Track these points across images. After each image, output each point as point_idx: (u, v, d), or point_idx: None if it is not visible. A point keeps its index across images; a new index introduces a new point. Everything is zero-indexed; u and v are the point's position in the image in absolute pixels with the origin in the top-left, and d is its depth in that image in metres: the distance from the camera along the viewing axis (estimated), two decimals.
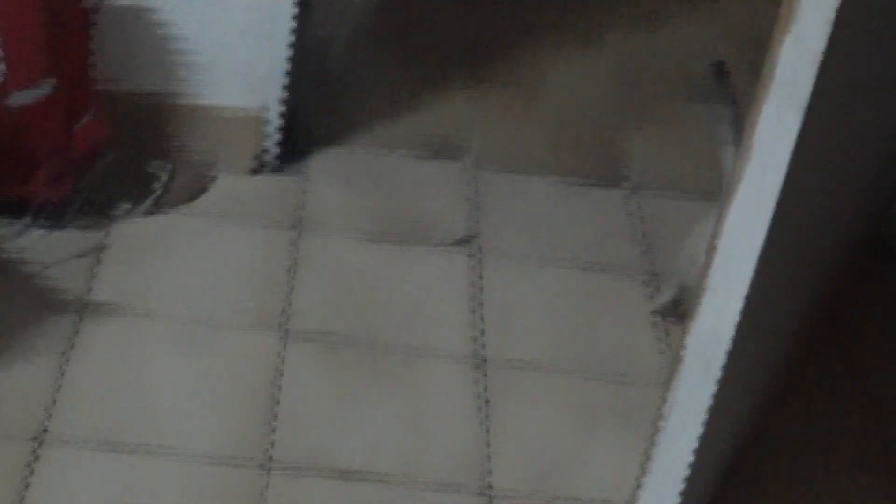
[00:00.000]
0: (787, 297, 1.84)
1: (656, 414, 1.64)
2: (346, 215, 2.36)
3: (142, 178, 2.27)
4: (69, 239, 2.16)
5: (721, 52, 2.64)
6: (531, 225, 2.43)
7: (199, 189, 2.33)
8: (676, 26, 3.17)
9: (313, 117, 2.54)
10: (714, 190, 1.75)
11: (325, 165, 2.47)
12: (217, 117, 2.33)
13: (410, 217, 2.39)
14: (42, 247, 2.13)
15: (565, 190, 2.55)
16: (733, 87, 2.11)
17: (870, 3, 1.52)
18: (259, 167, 2.40)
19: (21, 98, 1.99)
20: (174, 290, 2.11)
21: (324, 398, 1.96)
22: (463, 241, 2.34)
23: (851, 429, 2.07)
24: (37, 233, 2.15)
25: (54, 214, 2.16)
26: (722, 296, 1.52)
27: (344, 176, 2.46)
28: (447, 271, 2.27)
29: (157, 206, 2.26)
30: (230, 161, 2.38)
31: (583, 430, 2.00)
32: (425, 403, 1.99)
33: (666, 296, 2.24)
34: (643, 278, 2.34)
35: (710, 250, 1.51)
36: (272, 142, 2.40)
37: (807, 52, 1.36)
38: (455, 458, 1.91)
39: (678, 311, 2.19)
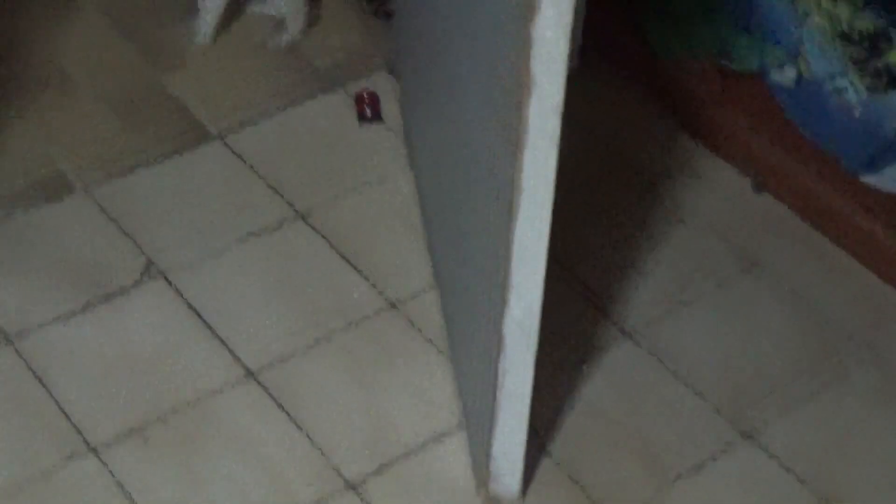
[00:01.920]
0: None
1: (492, 380, 2.05)
2: (33, 300, 2.46)
3: None
4: None
5: None
6: (184, 216, 2.64)
7: None
8: None
9: None
10: None
11: None
12: None
13: (86, 266, 2.52)
14: None
15: (175, 166, 2.75)
16: None
17: None
18: None
19: None
20: None
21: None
22: (146, 274, 2.53)
23: None
24: None
25: None
26: (526, 289, 1.92)
27: None
28: (160, 308, 2.47)
29: None
30: None
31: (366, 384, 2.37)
32: (246, 444, 2.27)
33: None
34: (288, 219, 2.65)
35: (506, 258, 1.89)
36: None
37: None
38: (301, 474, 2.22)
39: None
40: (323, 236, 2.62)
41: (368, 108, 2.87)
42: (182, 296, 2.49)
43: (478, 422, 2.17)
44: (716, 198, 2.74)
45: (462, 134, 2.12)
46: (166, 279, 2.52)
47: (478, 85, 1.94)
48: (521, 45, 1.65)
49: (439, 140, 2.37)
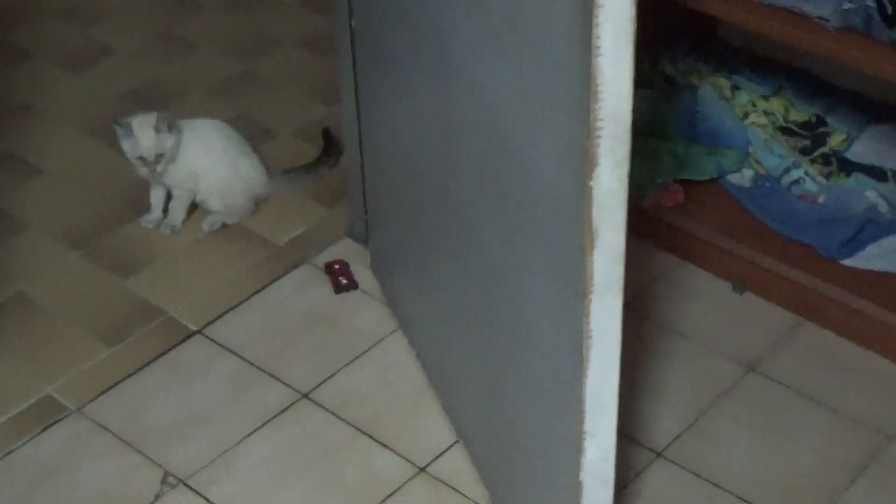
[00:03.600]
0: None
1: None
2: None
3: None
4: None
5: None
6: (186, 417, 2.59)
7: None
8: None
9: None
10: None
11: None
12: None
13: (101, 488, 2.45)
14: None
15: (162, 369, 2.71)
16: None
17: None
18: None
19: None
20: None
21: None
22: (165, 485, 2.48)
23: None
24: None
25: None
26: (601, 435, 1.94)
27: None
28: None
29: None
30: None
31: None
32: None
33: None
34: None
35: (578, 403, 1.90)
36: None
37: None
38: None
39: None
40: (331, 412, 2.60)
41: (342, 277, 2.88)
42: (207, 499, 2.44)
43: None
44: (701, 306, 2.80)
45: (496, 290, 2.13)
46: (186, 485, 2.46)
47: (525, 242, 1.96)
48: (582, 198, 1.69)
49: (454, 297, 2.37)
